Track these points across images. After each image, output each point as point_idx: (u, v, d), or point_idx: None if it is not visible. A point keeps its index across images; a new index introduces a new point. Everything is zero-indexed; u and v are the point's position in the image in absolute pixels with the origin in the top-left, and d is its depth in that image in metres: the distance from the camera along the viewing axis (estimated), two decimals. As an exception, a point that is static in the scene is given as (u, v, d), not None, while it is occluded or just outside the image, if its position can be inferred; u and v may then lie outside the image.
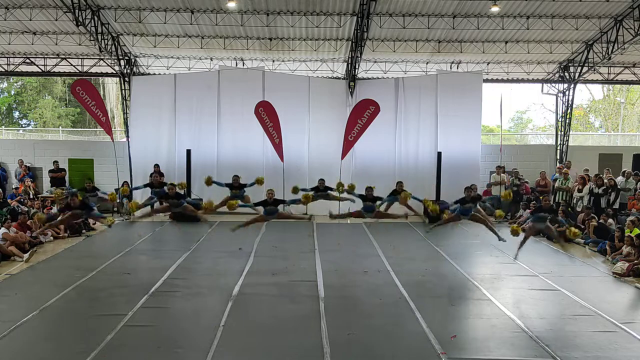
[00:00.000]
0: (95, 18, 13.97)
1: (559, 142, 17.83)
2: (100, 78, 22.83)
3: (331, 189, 11.21)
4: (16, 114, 31.70)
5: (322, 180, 11.30)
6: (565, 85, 17.48)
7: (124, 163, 16.11)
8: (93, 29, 13.94)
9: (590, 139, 27.12)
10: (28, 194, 14.95)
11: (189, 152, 15.19)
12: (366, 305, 7.66)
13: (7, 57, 16.67)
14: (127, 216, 15.61)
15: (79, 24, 12.95)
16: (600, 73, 17.45)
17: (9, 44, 15.59)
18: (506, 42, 15.70)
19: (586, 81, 18.61)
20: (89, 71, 17.15)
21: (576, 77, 16.85)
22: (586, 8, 13.83)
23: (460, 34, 15.18)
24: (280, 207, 9.94)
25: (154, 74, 17.19)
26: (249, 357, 5.78)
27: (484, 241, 11.72)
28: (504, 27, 14.58)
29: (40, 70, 17.06)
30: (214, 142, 16.24)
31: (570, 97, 17.49)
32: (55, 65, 16.85)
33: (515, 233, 9.31)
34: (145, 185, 11.30)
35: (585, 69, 16.26)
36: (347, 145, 15.30)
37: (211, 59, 16.86)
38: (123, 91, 16.86)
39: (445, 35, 15.20)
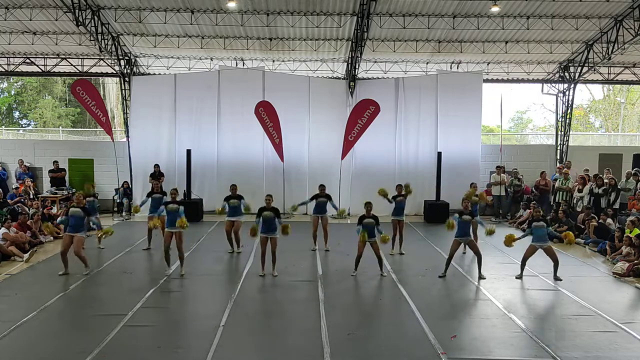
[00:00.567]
0: (95, 18, 13.97)
1: (559, 142, 17.83)
2: (100, 78, 22.83)
3: (330, 198, 11.20)
4: (16, 114, 31.72)
5: (322, 187, 11.27)
6: (566, 85, 17.48)
7: (124, 163, 16.12)
8: (93, 29, 13.94)
9: (590, 139, 27.11)
10: (28, 194, 14.95)
11: (189, 152, 15.19)
12: (366, 305, 7.67)
13: (7, 57, 16.67)
14: (127, 216, 15.65)
15: (79, 24, 12.95)
16: (600, 73, 17.45)
17: (9, 44, 15.59)
18: (506, 42, 15.70)
19: (586, 81, 18.61)
20: (89, 71, 17.15)
21: (576, 77, 16.85)
22: (586, 8, 13.83)
23: (461, 34, 15.18)
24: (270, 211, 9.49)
25: (154, 74, 17.19)
26: (249, 357, 5.78)
27: (484, 241, 11.71)
28: (504, 27, 14.58)
29: (40, 70, 17.07)
30: (214, 142, 16.23)
31: (571, 97, 17.49)
32: (56, 65, 16.86)
33: (508, 243, 9.13)
34: (148, 195, 11.29)
35: (585, 69, 16.25)
36: (347, 145, 15.33)
37: (211, 59, 16.86)
38: (123, 91, 16.86)
39: (446, 35, 15.20)
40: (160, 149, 16.19)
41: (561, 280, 8.83)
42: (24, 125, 31.05)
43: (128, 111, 16.54)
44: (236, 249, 10.87)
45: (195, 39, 15.54)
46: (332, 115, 16.07)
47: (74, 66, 16.86)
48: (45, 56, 16.59)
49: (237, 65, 16.83)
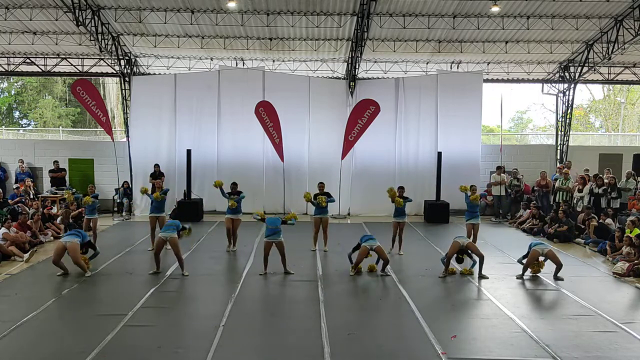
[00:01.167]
0: (96, 18, 13.98)
1: (559, 142, 17.83)
2: (100, 78, 22.82)
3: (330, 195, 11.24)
4: (16, 114, 31.74)
5: (322, 184, 11.32)
6: (566, 85, 17.48)
7: (124, 163, 16.13)
8: (93, 29, 13.95)
9: (590, 139, 27.11)
10: (28, 194, 14.95)
11: (189, 152, 15.19)
12: (366, 305, 7.67)
13: (7, 57, 16.68)
14: (127, 216, 15.66)
15: (79, 24, 12.95)
16: (600, 73, 17.45)
17: (9, 43, 15.59)
18: (506, 42, 15.70)
19: (586, 81, 18.61)
20: (89, 71, 17.16)
21: (576, 77, 16.85)
22: (586, 8, 13.83)
23: (461, 34, 15.18)
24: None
25: (154, 74, 17.19)
26: (249, 357, 5.78)
27: (484, 241, 11.72)
28: (504, 27, 14.58)
29: (40, 70, 17.07)
30: (214, 142, 16.23)
31: (571, 97, 17.49)
32: (56, 65, 16.86)
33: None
34: (151, 193, 11.34)
35: (585, 69, 16.25)
36: (347, 145, 15.33)
37: (211, 59, 16.86)
38: (123, 91, 16.86)
39: (446, 35, 15.20)
40: (161, 149, 16.18)
41: (562, 280, 8.84)
42: (24, 125, 31.07)
43: (128, 111, 16.53)
44: (231, 248, 10.92)
45: (195, 39, 15.54)
46: (332, 115, 16.07)
47: (74, 66, 16.86)
48: (46, 56, 16.60)
49: (237, 65, 16.84)
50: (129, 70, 16.49)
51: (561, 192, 14.45)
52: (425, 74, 17.14)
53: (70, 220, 12.87)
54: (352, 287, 8.53)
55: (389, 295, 8.11)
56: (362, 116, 15.05)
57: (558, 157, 17.72)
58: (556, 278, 8.92)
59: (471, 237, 10.59)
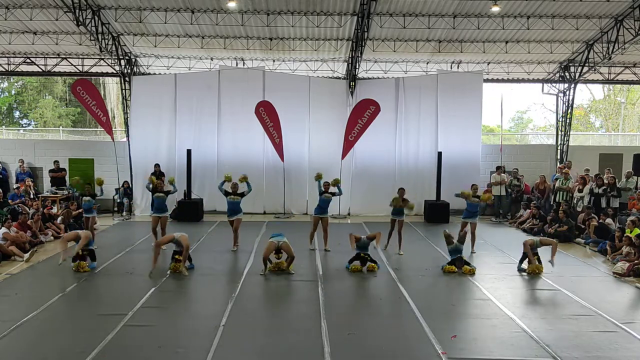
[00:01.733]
0: (96, 18, 13.98)
1: (559, 142, 17.83)
2: (100, 78, 22.80)
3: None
4: (17, 114, 31.74)
5: (327, 184, 11.34)
6: (566, 85, 17.47)
7: (124, 163, 16.13)
8: (93, 28, 13.95)
9: (590, 139, 27.11)
10: (28, 194, 14.95)
11: (189, 152, 15.18)
12: (366, 305, 7.67)
13: (7, 57, 16.68)
14: (127, 215, 15.66)
15: (80, 23, 12.95)
16: (600, 73, 17.44)
17: (10, 43, 15.59)
18: (506, 42, 15.70)
19: (586, 81, 18.60)
20: (90, 71, 17.16)
21: (576, 77, 16.84)
22: (586, 8, 13.83)
23: (461, 34, 15.18)
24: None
25: (154, 73, 17.19)
26: (249, 357, 5.78)
27: (484, 241, 11.72)
28: (504, 27, 14.58)
29: (40, 70, 17.07)
30: (214, 142, 16.23)
31: (571, 97, 17.48)
32: (56, 65, 16.86)
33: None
34: (152, 192, 11.31)
35: (585, 68, 16.25)
36: (348, 145, 15.34)
37: (211, 59, 16.86)
38: (123, 91, 16.86)
39: (446, 35, 15.20)
40: (161, 148, 16.18)
41: (553, 266, 9.13)
42: (24, 125, 31.07)
43: (128, 111, 16.53)
44: (231, 247, 10.93)
45: (195, 38, 15.54)
46: (332, 115, 16.06)
47: (74, 66, 16.86)
48: (46, 56, 16.60)
49: (237, 65, 16.83)
50: (129, 70, 16.49)
51: (561, 192, 14.45)
52: (426, 74, 17.14)
53: (71, 220, 12.87)
54: (352, 287, 8.53)
55: (389, 295, 8.10)
56: (362, 116, 15.06)
57: (558, 157, 17.71)
58: (550, 262, 9.17)
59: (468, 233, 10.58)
